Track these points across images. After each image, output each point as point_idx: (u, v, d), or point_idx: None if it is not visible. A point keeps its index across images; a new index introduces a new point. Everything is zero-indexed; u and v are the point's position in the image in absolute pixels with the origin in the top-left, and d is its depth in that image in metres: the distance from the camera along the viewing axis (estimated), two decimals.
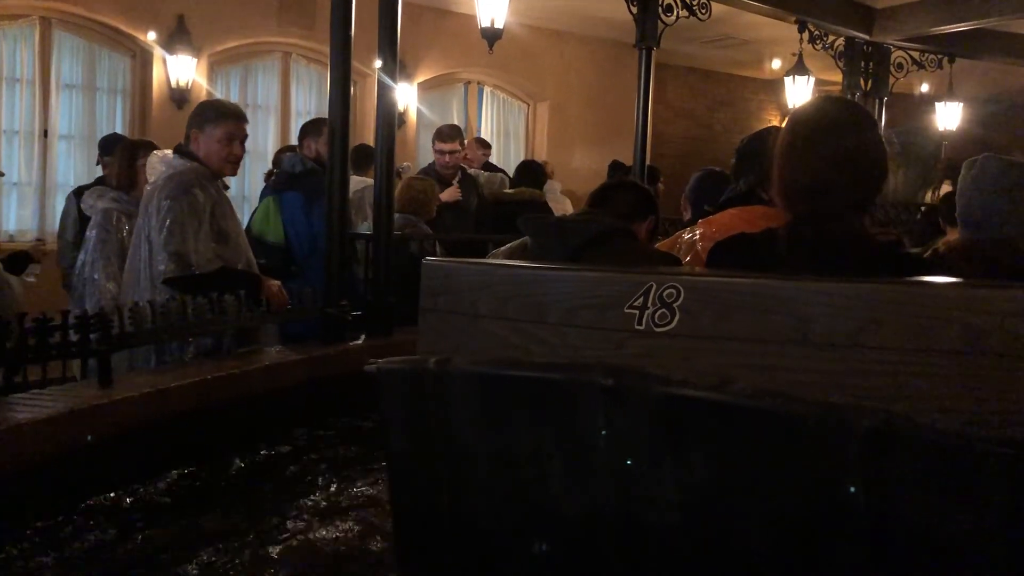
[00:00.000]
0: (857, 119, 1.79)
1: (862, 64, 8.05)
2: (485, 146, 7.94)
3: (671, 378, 1.48)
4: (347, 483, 3.02)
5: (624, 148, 8.89)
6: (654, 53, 6.48)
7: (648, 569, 1.54)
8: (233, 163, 3.70)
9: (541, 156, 9.44)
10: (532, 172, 6.52)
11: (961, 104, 9.58)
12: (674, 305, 1.56)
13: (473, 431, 1.64)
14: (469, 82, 9.50)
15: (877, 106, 8.24)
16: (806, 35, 7.47)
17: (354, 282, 4.45)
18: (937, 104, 9.72)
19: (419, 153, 8.94)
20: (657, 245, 2.61)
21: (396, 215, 4.85)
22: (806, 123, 1.81)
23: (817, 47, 7.69)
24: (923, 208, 5.67)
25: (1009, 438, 1.26)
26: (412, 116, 8.95)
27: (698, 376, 1.48)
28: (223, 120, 3.65)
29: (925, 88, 10.56)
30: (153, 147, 4.34)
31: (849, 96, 8.01)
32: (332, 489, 2.98)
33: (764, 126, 12.68)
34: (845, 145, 1.75)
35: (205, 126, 3.63)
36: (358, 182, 5.56)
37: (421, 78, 9.00)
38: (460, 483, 1.68)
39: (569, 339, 1.64)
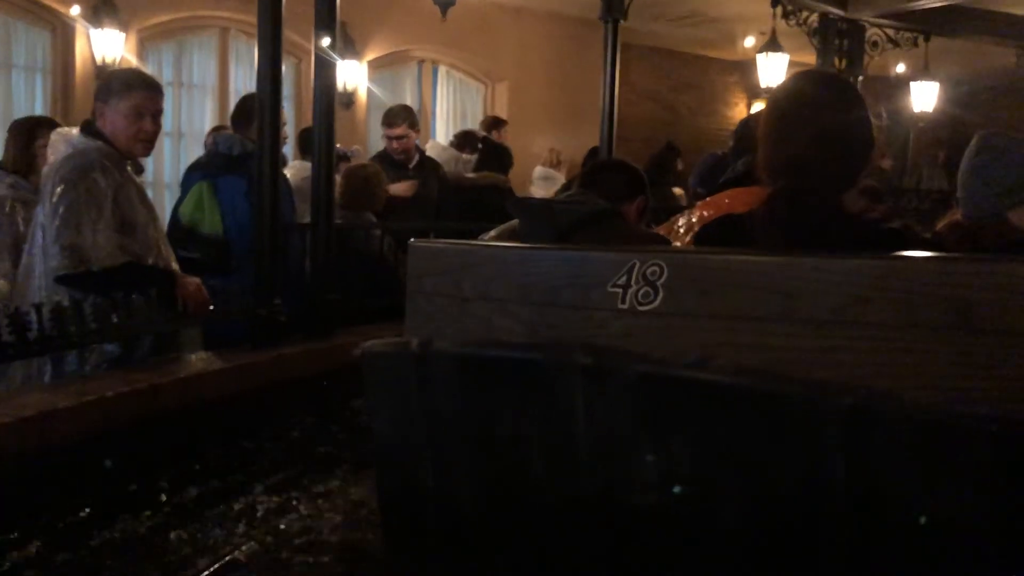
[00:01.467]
0: (839, 94, 1.87)
1: (836, 42, 8.21)
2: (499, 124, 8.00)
3: (651, 356, 1.57)
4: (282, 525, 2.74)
5: (587, 131, 8.96)
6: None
7: (630, 550, 1.62)
8: (144, 142, 3.41)
9: (500, 140, 9.50)
10: (497, 155, 6.60)
11: (937, 84, 9.81)
12: (657, 283, 1.64)
13: (455, 413, 1.72)
14: (423, 61, 9.51)
15: None
16: (779, 10, 7.60)
17: (292, 279, 4.25)
18: (912, 84, 9.95)
19: (370, 136, 8.96)
20: (655, 229, 2.72)
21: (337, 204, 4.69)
22: (786, 98, 1.90)
23: (791, 23, 7.83)
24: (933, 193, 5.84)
25: (995, 414, 1.33)
26: (362, 96, 8.95)
27: (678, 354, 1.56)
28: (130, 91, 3.34)
29: (901, 69, 10.82)
30: (55, 125, 4.15)
31: None
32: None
33: (731, 109, 12.98)
34: (824, 121, 1.83)
35: (110, 99, 3.34)
36: (306, 168, 5.55)
37: (371, 56, 8.99)
38: (443, 465, 1.76)
39: (552, 319, 1.72)
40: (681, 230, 2.60)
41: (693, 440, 1.53)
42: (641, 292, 1.65)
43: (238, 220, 4.42)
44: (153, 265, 3.41)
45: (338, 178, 4.96)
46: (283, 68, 4.13)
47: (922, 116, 9.67)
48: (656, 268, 1.65)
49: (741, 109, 13.11)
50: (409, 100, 9.17)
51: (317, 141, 4.24)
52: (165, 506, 2.74)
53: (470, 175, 6.39)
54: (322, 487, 2.95)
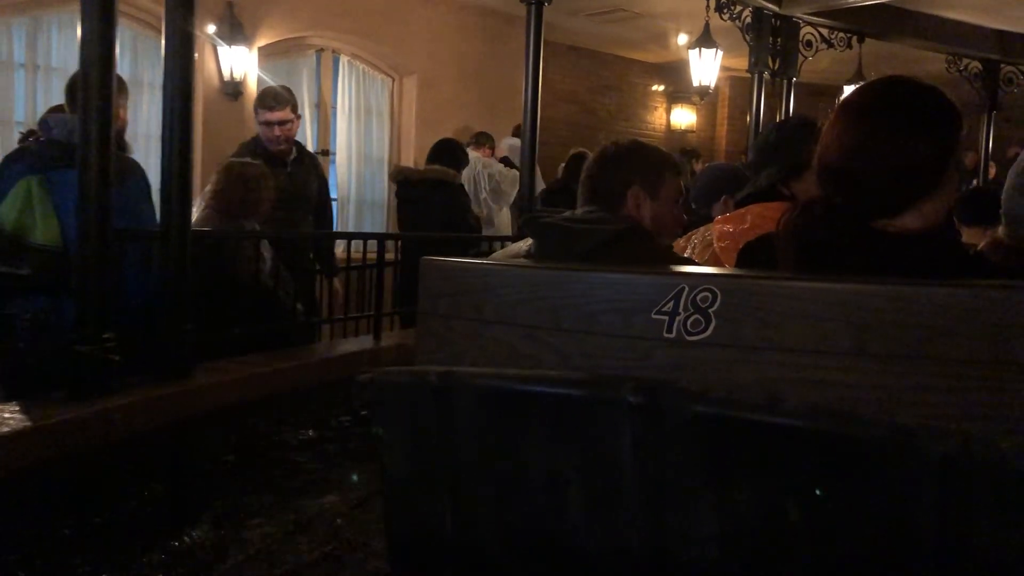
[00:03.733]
0: (903, 107, 1.84)
1: (770, 40, 8.45)
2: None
3: (712, 395, 1.52)
4: None
5: (503, 130, 9.00)
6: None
7: None
8: None
9: (409, 138, 9.44)
10: (450, 151, 6.81)
11: None
12: (709, 311, 1.60)
13: (480, 452, 1.66)
14: (322, 50, 9.31)
15: (785, 87, 8.69)
16: (713, 2, 7.78)
17: (137, 304, 3.74)
18: (846, 87, 10.32)
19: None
20: (674, 243, 2.68)
21: (206, 212, 4.46)
22: (844, 102, 1.90)
23: (724, 17, 8.01)
24: None
25: None
26: (252, 87, 8.70)
27: (743, 393, 1.52)
28: None
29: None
30: None
31: (757, 75, 8.42)
32: None
33: (651, 113, 13.22)
34: (865, 131, 1.82)
35: None
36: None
37: (263, 42, 8.76)
38: (466, 511, 1.71)
39: (588, 348, 1.67)
40: (696, 248, 2.59)
41: (760, 489, 1.49)
42: (691, 320, 1.61)
43: None
44: None
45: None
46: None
47: None
48: (708, 294, 1.61)
49: (661, 114, 13.40)
50: (306, 92, 9.01)
51: (167, 130, 3.83)
52: None
53: (420, 168, 6.62)
54: None
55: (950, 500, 1.35)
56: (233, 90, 8.56)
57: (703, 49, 8.67)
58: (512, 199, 7.99)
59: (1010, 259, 2.32)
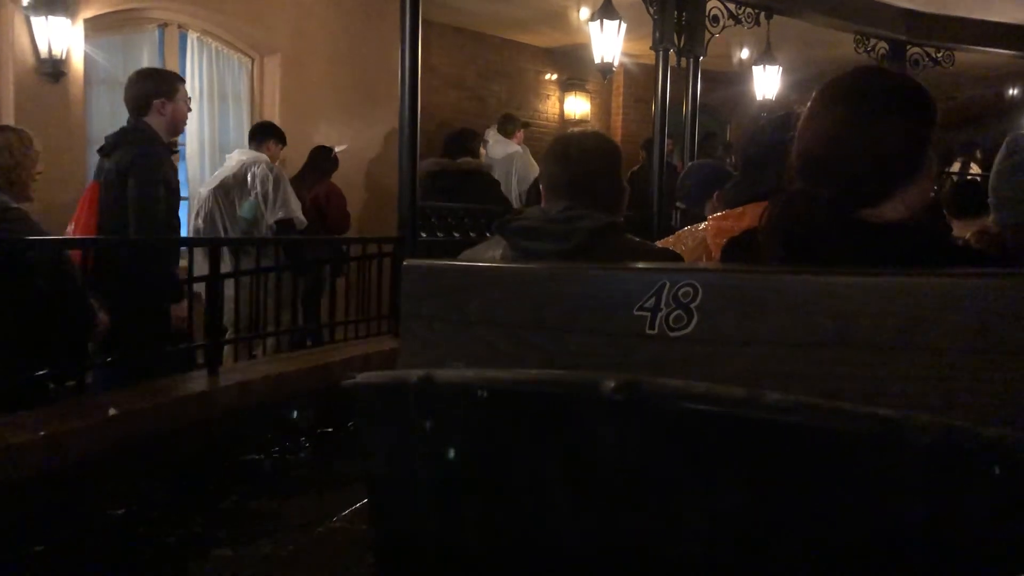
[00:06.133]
0: (879, 94, 2.04)
1: (675, 13, 8.75)
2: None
3: (694, 391, 1.68)
4: None
5: (382, 118, 9.03)
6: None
7: None
8: None
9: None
10: (463, 140, 7.87)
11: (779, 68, 10.63)
12: (691, 306, 1.77)
13: (463, 453, 1.80)
14: (166, 24, 9.10)
15: (692, 66, 9.00)
16: None
17: None
18: (755, 68, 10.75)
19: (91, 117, 8.51)
20: (659, 243, 2.85)
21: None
22: (820, 92, 2.08)
23: None
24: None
25: None
26: (77, 66, 8.37)
27: (723, 387, 1.69)
28: None
29: (745, 55, 11.66)
30: None
31: (662, 52, 8.71)
32: None
33: (543, 102, 13.52)
34: (843, 119, 2.01)
35: None
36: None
37: (89, 13, 8.34)
38: (449, 512, 1.86)
39: (569, 346, 1.84)
40: (687, 245, 2.76)
41: (744, 485, 1.65)
42: (672, 316, 1.77)
43: None
44: None
45: None
46: None
47: (766, 104, 10.42)
48: (689, 289, 1.78)
49: (555, 102, 13.72)
50: None
51: None
52: None
53: (458, 160, 7.55)
54: None
55: (936, 490, 1.51)
56: (53, 69, 7.98)
57: (605, 21, 8.85)
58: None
59: (993, 247, 2.52)
